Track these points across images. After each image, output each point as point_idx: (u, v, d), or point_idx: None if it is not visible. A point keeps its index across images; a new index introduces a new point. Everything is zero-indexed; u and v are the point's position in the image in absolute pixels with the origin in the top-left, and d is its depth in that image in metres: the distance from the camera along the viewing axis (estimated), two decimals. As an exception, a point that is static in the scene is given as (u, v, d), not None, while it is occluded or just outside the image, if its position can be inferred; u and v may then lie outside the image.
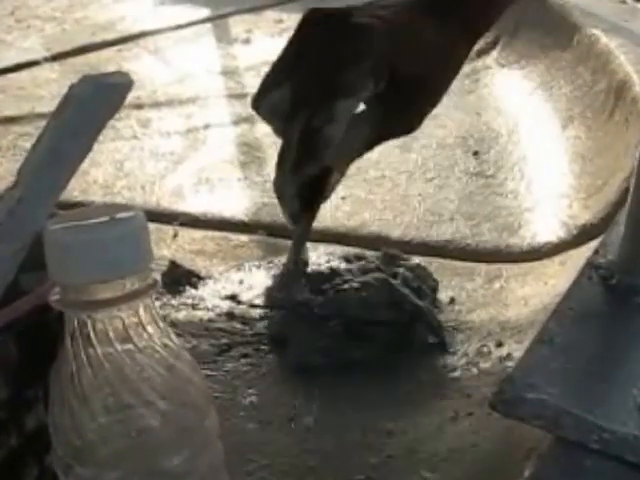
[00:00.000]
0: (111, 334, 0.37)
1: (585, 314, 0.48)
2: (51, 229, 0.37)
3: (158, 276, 0.84)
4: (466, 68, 1.17)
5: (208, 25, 1.67)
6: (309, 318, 0.76)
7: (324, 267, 0.83)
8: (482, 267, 0.89)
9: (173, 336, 0.40)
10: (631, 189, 0.50)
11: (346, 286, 0.77)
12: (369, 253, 0.87)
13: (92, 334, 0.37)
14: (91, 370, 0.38)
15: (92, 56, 1.48)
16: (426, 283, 0.81)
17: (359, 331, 0.75)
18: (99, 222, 0.37)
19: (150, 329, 0.38)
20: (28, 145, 0.49)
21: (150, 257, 0.38)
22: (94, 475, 0.39)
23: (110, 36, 1.60)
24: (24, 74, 1.46)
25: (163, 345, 0.39)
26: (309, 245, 0.92)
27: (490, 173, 1.10)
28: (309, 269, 0.83)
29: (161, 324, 0.39)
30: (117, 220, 0.37)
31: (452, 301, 0.82)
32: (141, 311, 0.38)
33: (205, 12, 1.72)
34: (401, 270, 0.79)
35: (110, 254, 0.36)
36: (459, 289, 0.84)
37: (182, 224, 1.00)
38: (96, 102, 0.43)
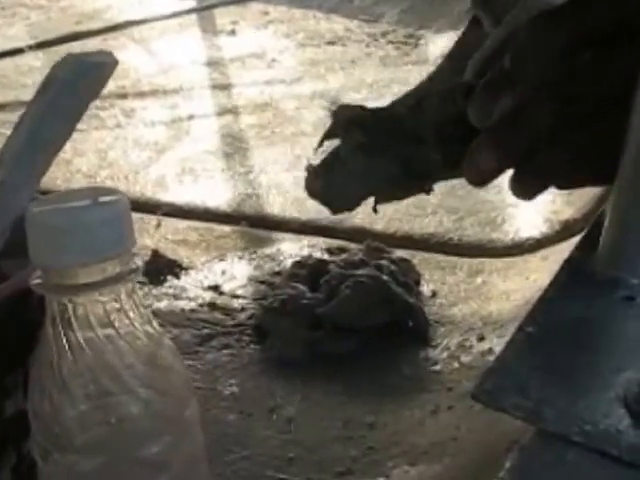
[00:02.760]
0: (92, 319, 0.37)
1: (567, 306, 0.48)
2: (32, 211, 0.37)
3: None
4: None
5: (194, 16, 1.67)
6: (291, 310, 0.76)
7: (311, 260, 0.83)
8: (464, 261, 0.89)
9: (155, 323, 0.40)
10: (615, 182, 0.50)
11: (342, 286, 0.76)
12: (352, 246, 0.87)
13: (73, 319, 0.37)
14: (71, 356, 0.37)
15: (77, 45, 1.47)
16: (409, 276, 0.81)
17: (341, 324, 0.75)
18: (81, 205, 0.37)
19: (132, 315, 0.38)
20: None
21: (132, 241, 0.38)
22: (73, 462, 0.39)
23: (95, 25, 1.60)
24: (8, 62, 1.45)
25: (144, 332, 0.39)
26: (291, 237, 0.92)
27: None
28: (296, 260, 0.84)
29: (143, 310, 0.39)
30: (99, 203, 0.37)
31: (434, 295, 0.82)
32: (123, 296, 0.38)
33: (191, 3, 1.72)
34: (385, 263, 0.79)
35: (92, 237, 0.36)
36: (441, 283, 0.84)
37: (165, 214, 1.00)
38: (79, 82, 0.42)
